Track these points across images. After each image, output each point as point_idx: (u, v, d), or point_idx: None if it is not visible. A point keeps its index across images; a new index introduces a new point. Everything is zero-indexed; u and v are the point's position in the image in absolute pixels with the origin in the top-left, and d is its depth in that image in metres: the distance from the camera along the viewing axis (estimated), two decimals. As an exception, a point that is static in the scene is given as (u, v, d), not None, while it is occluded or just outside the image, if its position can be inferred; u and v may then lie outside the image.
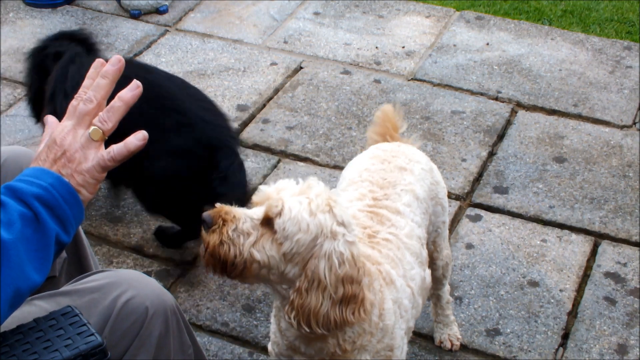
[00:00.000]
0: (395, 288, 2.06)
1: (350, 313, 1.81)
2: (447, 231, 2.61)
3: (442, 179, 2.56)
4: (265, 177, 3.57)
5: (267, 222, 1.81)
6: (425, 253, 2.30)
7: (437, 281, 2.67)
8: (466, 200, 3.47)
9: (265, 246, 1.80)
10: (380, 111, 2.77)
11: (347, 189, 2.35)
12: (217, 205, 1.85)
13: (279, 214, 1.79)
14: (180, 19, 4.73)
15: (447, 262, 2.65)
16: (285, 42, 4.52)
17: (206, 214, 1.81)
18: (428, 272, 2.30)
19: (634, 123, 3.94)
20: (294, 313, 1.82)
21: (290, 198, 1.81)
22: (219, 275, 1.85)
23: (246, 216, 1.82)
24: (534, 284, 3.08)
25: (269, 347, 2.15)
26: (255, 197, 1.88)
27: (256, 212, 1.83)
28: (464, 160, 3.67)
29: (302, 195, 1.82)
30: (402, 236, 2.19)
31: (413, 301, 2.15)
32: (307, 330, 1.83)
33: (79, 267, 2.32)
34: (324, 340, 1.93)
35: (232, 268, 1.82)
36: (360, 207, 2.24)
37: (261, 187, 1.87)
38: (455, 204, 3.43)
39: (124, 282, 1.77)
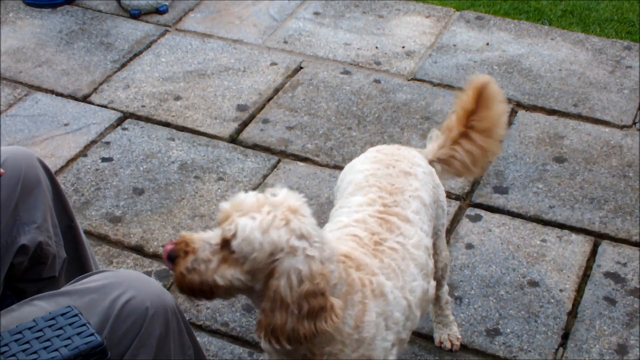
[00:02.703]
0: (386, 301, 2.05)
1: (322, 322, 1.82)
2: (444, 233, 2.62)
3: (439, 181, 2.55)
4: (265, 177, 3.57)
5: (225, 244, 1.82)
6: (431, 264, 2.28)
7: (436, 280, 2.67)
8: (466, 200, 3.47)
9: (227, 270, 1.82)
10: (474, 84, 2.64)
11: (355, 193, 2.33)
12: (182, 234, 1.88)
13: (234, 235, 1.80)
14: (180, 19, 4.73)
15: (446, 263, 2.65)
16: (285, 42, 4.52)
17: (172, 249, 1.85)
18: (432, 284, 2.29)
19: (634, 123, 3.94)
20: (263, 332, 1.85)
21: (242, 217, 1.81)
22: (196, 299, 1.88)
23: (205, 243, 1.84)
24: (534, 284, 3.08)
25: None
26: (218, 216, 1.89)
27: (214, 237, 1.85)
28: (464, 160, 3.67)
29: (258, 210, 1.82)
30: (409, 246, 2.18)
31: (408, 313, 2.13)
32: (278, 346, 1.85)
33: (79, 266, 2.32)
34: (296, 348, 1.94)
35: (201, 294, 1.85)
36: (370, 213, 2.23)
37: (221, 205, 1.88)
38: (455, 204, 3.43)
39: (124, 283, 1.77)
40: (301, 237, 1.82)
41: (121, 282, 1.77)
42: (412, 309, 2.14)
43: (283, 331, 1.81)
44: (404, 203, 2.27)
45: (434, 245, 2.53)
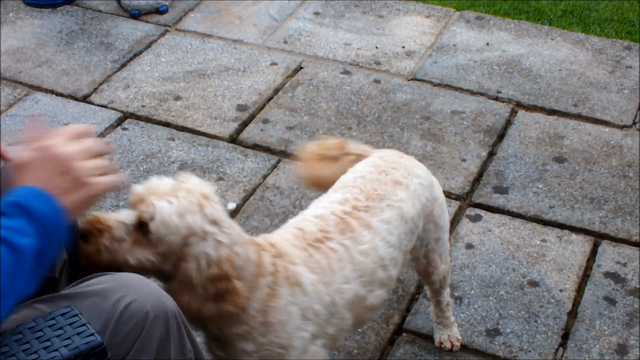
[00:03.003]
0: (303, 291, 2.07)
1: (226, 304, 1.89)
2: (445, 248, 2.58)
3: (442, 195, 2.52)
4: (265, 177, 3.57)
5: (140, 225, 1.86)
6: (386, 275, 2.26)
7: (435, 291, 2.70)
8: (466, 200, 3.47)
9: (140, 251, 1.86)
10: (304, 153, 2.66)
11: (337, 190, 2.36)
12: (92, 213, 1.89)
13: (152, 217, 1.84)
14: (180, 19, 4.73)
15: (444, 276, 2.63)
16: (285, 42, 4.52)
17: (81, 226, 1.86)
18: (379, 294, 2.26)
19: (634, 123, 3.94)
20: None
21: (160, 200, 1.86)
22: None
23: (119, 223, 1.86)
24: (534, 284, 3.08)
25: None
26: (129, 198, 1.92)
27: (128, 217, 1.88)
28: (464, 160, 3.67)
29: (174, 194, 1.87)
30: (354, 251, 2.18)
31: (333, 311, 2.13)
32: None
33: (79, 268, 2.32)
34: (206, 327, 2.01)
35: (106, 269, 1.88)
36: (335, 211, 2.25)
37: (134, 187, 1.91)
38: (455, 204, 3.43)
39: (125, 286, 1.77)
40: (213, 222, 1.90)
41: (122, 285, 1.77)
42: (337, 308, 2.14)
43: (188, 311, 1.88)
44: (375, 210, 2.27)
45: (427, 257, 2.53)
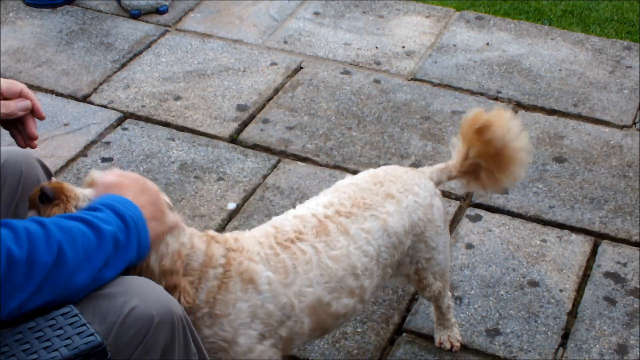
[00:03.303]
0: (256, 289, 2.07)
1: (177, 299, 1.91)
2: (441, 267, 2.54)
3: (441, 217, 2.47)
4: (265, 177, 3.57)
5: None
6: (357, 284, 2.22)
7: (432, 300, 2.68)
8: (466, 200, 3.47)
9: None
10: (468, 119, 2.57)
11: (328, 193, 2.36)
12: (54, 180, 1.92)
13: None
14: (180, 19, 4.73)
15: (439, 291, 2.59)
16: (285, 42, 4.52)
17: (48, 188, 1.85)
18: (347, 302, 2.23)
19: (634, 123, 3.94)
20: None
21: None
22: None
23: (85, 196, 1.88)
24: (534, 284, 3.08)
25: None
26: (87, 179, 1.95)
27: (90, 194, 1.89)
28: (464, 160, 3.67)
29: None
30: (324, 255, 2.17)
31: (289, 314, 2.12)
32: None
33: None
34: None
35: None
36: (316, 212, 2.24)
37: (93, 171, 1.95)
38: (455, 204, 3.43)
39: (130, 290, 1.77)
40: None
41: (127, 289, 1.77)
42: (295, 311, 2.12)
43: None
44: (357, 218, 2.25)
45: (418, 274, 2.50)
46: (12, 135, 2.08)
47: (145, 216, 1.81)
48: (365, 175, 2.42)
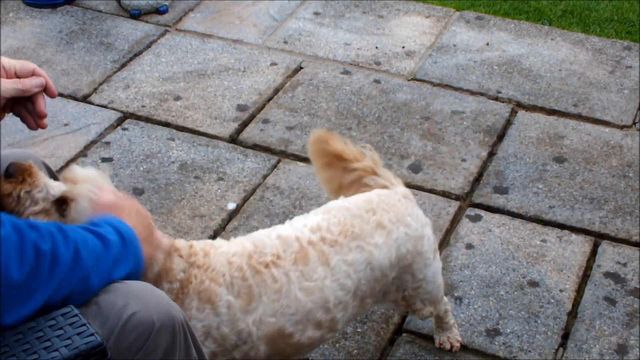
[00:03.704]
0: (214, 311, 2.03)
1: None
2: (432, 294, 2.50)
3: (431, 249, 2.40)
4: (265, 177, 3.57)
5: (62, 201, 1.88)
6: (327, 317, 2.16)
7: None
8: (466, 200, 3.47)
9: (43, 219, 1.86)
10: (312, 138, 2.52)
11: (319, 213, 2.27)
12: (30, 163, 1.92)
13: (75, 200, 1.87)
14: (180, 19, 4.73)
15: (430, 313, 2.55)
16: (285, 42, 4.52)
17: (13, 165, 1.88)
18: (312, 334, 2.15)
19: (634, 123, 3.94)
20: None
21: (86, 187, 1.89)
22: None
23: (46, 187, 1.88)
24: (534, 284, 3.08)
25: None
26: (66, 174, 1.96)
27: (56, 188, 1.89)
28: (464, 160, 3.67)
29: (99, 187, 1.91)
30: (296, 287, 2.10)
31: (246, 340, 2.06)
32: None
33: None
34: None
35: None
36: (301, 236, 2.17)
37: (75, 167, 1.97)
38: (455, 204, 3.43)
39: (131, 295, 1.77)
40: None
41: (128, 294, 1.77)
42: (252, 338, 2.07)
43: None
44: (342, 248, 2.17)
45: (405, 300, 2.44)
46: (22, 118, 2.11)
47: (139, 237, 1.88)
48: (359, 199, 2.32)
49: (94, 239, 1.75)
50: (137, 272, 1.86)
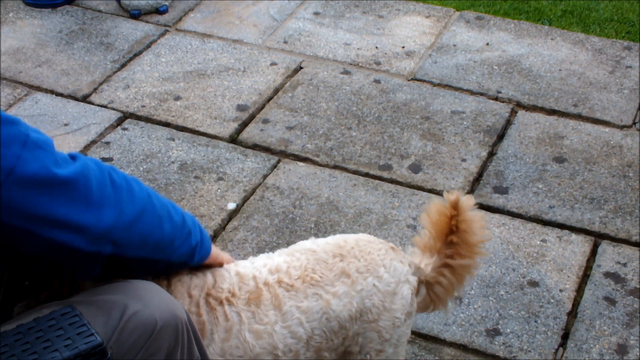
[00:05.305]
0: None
1: None
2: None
3: (404, 308, 2.17)
4: (265, 177, 3.57)
5: None
6: None
7: None
8: (466, 200, 3.47)
9: None
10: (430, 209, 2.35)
11: (282, 254, 2.16)
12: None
13: None
14: (180, 19, 4.73)
15: None
16: (285, 42, 4.52)
17: None
18: None
19: (634, 123, 3.94)
20: None
21: None
22: None
23: None
24: (534, 284, 3.08)
25: None
26: None
27: None
28: (464, 160, 3.67)
29: None
30: (246, 328, 1.99)
31: None
32: None
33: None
34: None
35: None
36: (258, 276, 2.06)
37: None
38: (455, 204, 3.43)
39: (133, 295, 1.76)
40: None
41: (129, 294, 1.76)
42: None
43: None
44: (298, 294, 2.04)
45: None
46: None
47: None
48: (331, 242, 2.18)
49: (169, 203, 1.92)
50: (198, 255, 1.98)
